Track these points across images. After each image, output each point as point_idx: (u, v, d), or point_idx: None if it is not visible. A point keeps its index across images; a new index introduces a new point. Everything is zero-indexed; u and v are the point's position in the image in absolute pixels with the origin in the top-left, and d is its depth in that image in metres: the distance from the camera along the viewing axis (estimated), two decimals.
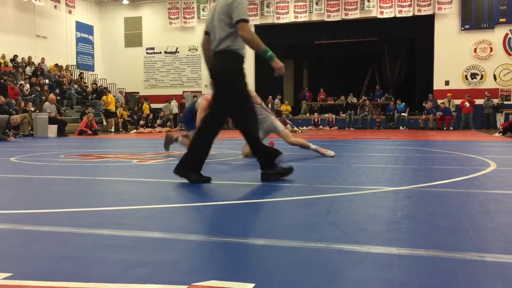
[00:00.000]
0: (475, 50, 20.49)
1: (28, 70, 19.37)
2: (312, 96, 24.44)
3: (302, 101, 23.95)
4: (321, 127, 20.85)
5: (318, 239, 2.11)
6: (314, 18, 22.08)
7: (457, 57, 20.38)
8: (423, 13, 20.71)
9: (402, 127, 20.26)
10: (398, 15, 20.91)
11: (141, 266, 1.76)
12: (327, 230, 2.30)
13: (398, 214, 2.66)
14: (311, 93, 24.65)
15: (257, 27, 23.01)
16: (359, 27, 21.76)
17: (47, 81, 19.15)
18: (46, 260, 1.84)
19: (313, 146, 6.50)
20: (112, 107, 19.64)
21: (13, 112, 14.23)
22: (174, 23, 23.84)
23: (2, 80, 16.40)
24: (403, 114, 20.66)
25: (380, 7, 21.12)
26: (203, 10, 23.43)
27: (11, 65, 18.80)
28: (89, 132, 15.94)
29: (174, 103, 22.65)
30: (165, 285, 1.56)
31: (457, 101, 20.02)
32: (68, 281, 1.58)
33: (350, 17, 21.44)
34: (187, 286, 1.54)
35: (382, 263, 1.79)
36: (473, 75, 20.68)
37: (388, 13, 21.04)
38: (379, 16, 21.15)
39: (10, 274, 1.65)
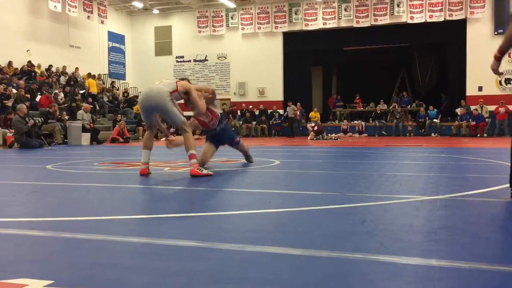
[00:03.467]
0: (509, 55, 19.93)
1: (62, 80, 19.86)
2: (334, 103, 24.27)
3: (334, 108, 23.78)
4: (350, 134, 20.66)
5: (354, 249, 2.08)
6: (343, 24, 21.96)
7: (491, 62, 19.84)
8: (454, 17, 20.34)
9: (434, 134, 19.88)
10: (428, 20, 20.59)
11: (178, 275, 1.77)
12: (363, 240, 2.26)
13: (435, 224, 2.60)
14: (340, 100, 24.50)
15: (285, 34, 23.06)
16: (389, 33, 21.53)
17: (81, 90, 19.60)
18: (85, 267, 1.87)
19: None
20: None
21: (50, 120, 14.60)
22: (203, 32, 24.09)
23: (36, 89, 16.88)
24: (435, 120, 20.28)
25: (410, 12, 20.85)
26: (232, 18, 23.62)
27: (46, 74, 19.31)
28: (121, 140, 16.22)
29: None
30: None
31: (491, 107, 19.53)
32: None
33: (379, 22, 21.24)
34: None
35: (422, 275, 1.76)
36: (508, 81, 20.15)
37: (418, 18, 20.75)
38: (409, 21, 20.87)
39: (52, 281, 1.68)
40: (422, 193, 3.75)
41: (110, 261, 1.94)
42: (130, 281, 1.69)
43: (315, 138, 17.05)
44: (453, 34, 20.81)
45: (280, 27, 22.85)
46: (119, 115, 18.47)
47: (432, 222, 2.66)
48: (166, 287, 1.62)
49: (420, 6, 20.70)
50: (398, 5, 21.03)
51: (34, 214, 3.06)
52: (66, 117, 15.75)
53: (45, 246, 2.22)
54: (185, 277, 1.75)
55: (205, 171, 4.94)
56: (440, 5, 20.40)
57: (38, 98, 16.71)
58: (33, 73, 18.70)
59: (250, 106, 22.69)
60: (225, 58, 24.13)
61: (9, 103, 15.07)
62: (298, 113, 21.82)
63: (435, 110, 20.61)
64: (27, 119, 12.54)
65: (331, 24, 22.01)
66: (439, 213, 2.94)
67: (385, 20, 21.17)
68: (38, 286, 1.64)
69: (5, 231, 2.48)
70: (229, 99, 23.92)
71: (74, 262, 1.94)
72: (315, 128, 17.38)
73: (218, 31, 23.91)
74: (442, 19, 20.43)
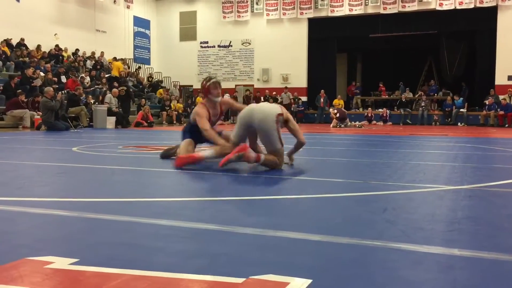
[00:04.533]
0: None
1: (89, 64, 20.13)
2: (361, 90, 24.03)
3: (354, 96, 23.58)
4: (374, 122, 20.44)
5: (375, 237, 2.07)
6: (370, 10, 21.61)
7: None
8: (485, 5, 19.80)
9: (461, 124, 19.52)
10: (458, 7, 20.10)
11: (199, 257, 1.80)
12: (384, 228, 2.26)
13: (458, 214, 2.57)
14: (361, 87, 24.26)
15: (310, 20, 22.82)
16: (417, 20, 21.09)
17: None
18: (109, 247, 1.92)
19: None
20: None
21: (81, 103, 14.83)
22: (228, 17, 24.03)
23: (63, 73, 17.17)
24: (461, 110, 19.90)
25: None
26: (257, 3, 23.47)
27: (73, 58, 19.60)
28: (145, 124, 16.40)
29: (226, 97, 22.88)
30: (224, 276, 1.58)
31: None
32: (131, 268, 1.63)
33: (407, 9, 20.83)
34: (245, 278, 1.56)
35: (443, 264, 1.74)
36: None
37: (447, 5, 20.27)
38: (438, 8, 20.41)
39: (77, 259, 1.73)
40: (446, 183, 3.70)
41: (134, 242, 1.98)
42: (153, 262, 1.72)
43: (338, 125, 16.91)
44: (483, 21, 20.27)
45: (306, 13, 22.61)
46: (143, 100, 18.65)
47: (456, 212, 2.63)
48: (188, 269, 1.64)
49: None
50: None
51: (60, 194, 3.13)
52: (92, 101, 15.99)
53: (70, 226, 2.28)
54: (207, 259, 1.77)
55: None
56: None
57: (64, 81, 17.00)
58: (60, 57, 19.00)
59: (274, 93, 22.62)
60: (249, 44, 24.04)
61: (38, 82, 15.36)
62: (322, 100, 21.68)
63: (461, 99, 20.20)
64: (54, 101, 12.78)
65: (358, 11, 21.68)
66: (463, 203, 2.90)
67: (413, 7, 20.75)
68: (64, 264, 1.69)
69: (32, 210, 2.55)
70: (252, 85, 23.88)
71: (98, 241, 1.99)
72: (337, 114, 17.21)
73: (242, 16, 23.81)
74: (472, 6, 19.91)
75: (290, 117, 4.78)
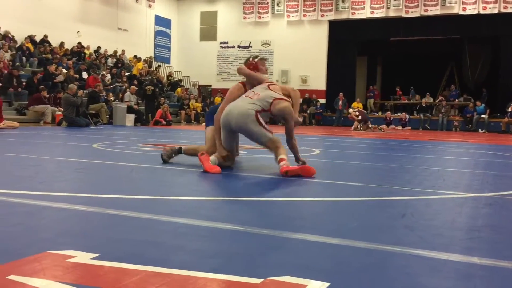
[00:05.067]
0: None
1: (110, 61, 20.36)
2: (379, 94, 23.86)
3: (368, 99, 23.44)
4: (393, 126, 20.27)
5: (394, 242, 2.06)
6: (391, 14, 21.44)
7: None
8: (509, 10, 19.48)
9: (481, 130, 19.23)
10: (482, 12, 19.82)
11: (217, 256, 1.81)
12: (402, 233, 2.24)
13: (478, 222, 2.54)
14: (379, 91, 24.07)
15: (331, 22, 22.74)
16: (439, 24, 20.85)
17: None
18: (129, 243, 1.94)
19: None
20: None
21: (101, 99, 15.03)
22: (249, 18, 24.08)
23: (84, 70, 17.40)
24: (483, 116, 19.60)
25: (463, 3, 20.12)
26: (278, 5, 23.47)
27: (95, 55, 19.85)
28: (164, 122, 16.53)
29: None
30: (241, 276, 1.59)
31: None
32: (150, 265, 1.66)
33: (429, 13, 20.61)
34: (262, 279, 1.57)
35: (463, 272, 1.73)
36: None
37: (471, 10, 20.00)
38: (461, 12, 20.15)
39: (98, 254, 1.75)
40: (466, 190, 3.66)
41: (153, 239, 2.01)
42: (172, 260, 1.74)
43: (359, 128, 16.77)
44: (507, 26, 19.94)
45: (326, 15, 22.54)
46: (163, 98, 18.81)
47: (476, 219, 2.60)
48: (205, 268, 1.66)
49: None
50: None
51: (80, 190, 3.18)
52: (112, 98, 16.18)
53: (91, 221, 2.31)
54: (224, 259, 1.78)
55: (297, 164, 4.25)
56: None
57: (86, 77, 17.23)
58: (82, 54, 19.26)
59: None
60: (269, 45, 24.05)
61: (61, 78, 15.59)
62: (340, 103, 21.58)
63: (483, 105, 19.91)
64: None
65: (379, 14, 21.53)
66: (483, 211, 2.86)
67: (435, 11, 20.53)
68: (85, 258, 1.72)
69: (54, 205, 2.60)
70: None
71: (118, 238, 2.02)
72: (359, 117, 17.07)
73: (263, 17, 23.84)
74: (496, 11, 19.62)
75: (288, 112, 4.32)
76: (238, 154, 4.96)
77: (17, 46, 16.67)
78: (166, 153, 4.78)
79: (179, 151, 4.75)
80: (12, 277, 1.51)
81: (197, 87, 23.88)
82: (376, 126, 17.54)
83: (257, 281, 1.55)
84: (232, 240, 2.04)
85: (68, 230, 2.15)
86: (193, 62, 25.14)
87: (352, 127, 17.17)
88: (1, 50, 15.45)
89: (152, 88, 17.31)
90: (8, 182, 3.39)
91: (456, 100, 21.84)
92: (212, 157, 4.24)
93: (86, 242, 1.95)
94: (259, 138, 4.20)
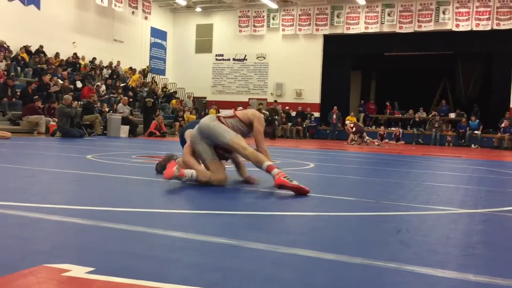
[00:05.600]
0: None
1: (105, 72, 20.38)
2: (376, 108, 24.02)
3: (359, 113, 23.59)
4: (386, 140, 20.37)
5: (389, 258, 2.07)
6: (385, 29, 21.67)
7: None
8: (502, 27, 19.75)
9: (474, 146, 19.37)
10: (475, 28, 20.08)
11: (214, 271, 1.81)
12: (398, 249, 2.25)
13: (473, 238, 2.55)
14: (376, 105, 24.22)
15: (325, 37, 22.92)
16: (432, 40, 21.10)
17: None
18: (124, 257, 1.93)
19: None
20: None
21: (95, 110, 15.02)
22: (244, 31, 24.23)
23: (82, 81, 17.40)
24: (475, 131, 19.76)
25: (456, 20, 20.38)
26: (273, 19, 23.66)
27: (90, 66, 19.87)
28: (158, 134, 16.51)
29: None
30: None
31: None
32: (146, 279, 1.65)
33: (423, 29, 20.85)
34: None
35: None
36: None
37: (464, 26, 20.26)
38: (455, 29, 20.41)
39: (93, 268, 1.75)
40: (460, 206, 3.68)
41: (149, 253, 2.00)
42: (167, 274, 1.74)
43: (355, 140, 16.81)
44: (499, 43, 20.21)
45: (321, 30, 22.74)
46: (158, 110, 18.81)
47: (470, 236, 2.62)
48: (202, 283, 1.66)
49: (467, 14, 20.21)
50: (443, 12, 20.60)
51: (75, 202, 3.17)
52: (106, 109, 16.17)
53: (87, 234, 2.30)
54: (220, 274, 1.78)
55: (295, 183, 3.81)
56: (487, 13, 19.86)
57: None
58: (77, 65, 19.27)
59: (287, 108, 22.67)
60: (264, 58, 24.20)
61: (56, 88, 15.58)
62: (334, 116, 21.67)
63: (477, 121, 20.08)
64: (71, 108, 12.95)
65: (373, 29, 21.75)
66: (477, 227, 2.88)
67: (429, 27, 20.77)
68: (81, 272, 1.71)
69: (48, 217, 2.59)
70: (266, 99, 23.97)
71: (114, 251, 2.01)
72: (353, 128, 17.13)
73: (258, 31, 24.01)
74: (489, 28, 19.88)
75: (257, 126, 4.27)
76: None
77: (12, 56, 16.66)
78: (160, 164, 4.74)
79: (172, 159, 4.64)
80: None
81: (192, 99, 23.92)
82: (372, 139, 17.59)
83: None
84: (228, 255, 2.04)
85: (63, 243, 2.14)
86: (188, 74, 25.22)
87: (348, 140, 17.24)
88: None
89: (152, 100, 17.45)
90: (2, 193, 3.37)
91: (450, 115, 22.00)
92: (187, 171, 4.04)
93: (82, 255, 1.94)
94: (220, 137, 4.08)
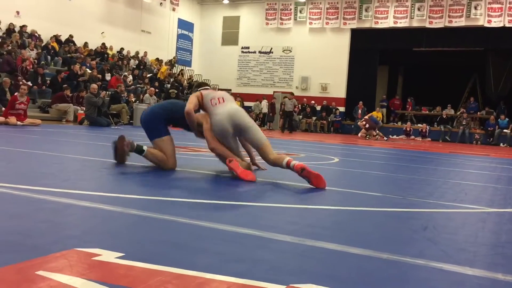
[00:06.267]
0: None
1: (132, 63, 20.61)
2: (401, 104, 23.70)
3: (381, 108, 23.26)
4: (413, 137, 20.09)
5: (416, 255, 2.05)
6: (415, 24, 21.31)
7: None
8: None
9: (503, 144, 18.95)
10: (507, 24, 19.57)
11: (240, 261, 1.82)
12: (425, 246, 2.23)
13: (502, 237, 2.51)
14: (401, 101, 23.89)
15: (353, 31, 22.68)
16: (463, 36, 20.67)
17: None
18: (153, 244, 1.97)
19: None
20: None
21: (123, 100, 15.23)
22: (271, 24, 24.16)
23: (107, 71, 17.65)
24: (505, 130, 19.32)
25: (488, 15, 19.90)
26: (300, 12, 23.51)
27: (118, 56, 20.12)
28: None
29: (264, 103, 23.02)
30: (264, 282, 1.60)
31: None
32: (174, 266, 1.68)
33: (454, 24, 20.43)
34: (285, 286, 1.58)
35: None
36: None
37: (496, 22, 19.77)
38: (486, 25, 19.94)
39: (123, 254, 1.78)
40: (489, 205, 3.61)
41: (176, 241, 2.03)
42: (196, 263, 1.76)
43: (366, 137, 16.83)
44: None
45: (349, 24, 22.51)
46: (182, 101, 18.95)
47: (499, 235, 2.57)
48: (229, 272, 1.67)
49: (499, 10, 19.71)
50: (475, 8, 20.14)
51: (104, 189, 3.23)
52: (133, 99, 16.36)
53: (115, 220, 2.35)
54: (247, 264, 1.79)
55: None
56: None
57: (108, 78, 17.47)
58: (105, 55, 19.53)
59: (312, 102, 22.55)
60: (290, 51, 24.09)
61: (85, 78, 15.85)
62: (359, 111, 21.49)
63: (506, 119, 19.63)
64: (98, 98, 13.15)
65: (402, 23, 21.41)
66: (506, 226, 2.83)
67: (460, 22, 20.34)
68: (111, 257, 1.75)
69: (78, 203, 2.64)
70: (291, 92, 23.87)
71: (142, 238, 2.05)
72: (367, 125, 17.09)
73: (285, 24, 23.90)
74: None
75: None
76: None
77: (42, 45, 16.99)
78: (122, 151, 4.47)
79: (139, 151, 4.41)
80: (41, 273, 1.55)
81: (217, 90, 23.97)
82: (381, 135, 17.49)
83: (280, 287, 1.56)
84: (255, 246, 2.05)
85: (93, 229, 2.18)
86: (214, 66, 25.31)
87: (359, 134, 17.24)
88: (27, 48, 15.76)
89: (176, 91, 17.58)
90: (34, 179, 3.45)
91: (478, 113, 21.56)
92: (243, 163, 4.27)
93: (111, 241, 1.98)
94: (257, 140, 4.22)
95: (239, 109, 4.41)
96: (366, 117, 17.79)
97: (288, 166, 3.97)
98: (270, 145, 4.25)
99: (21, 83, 12.39)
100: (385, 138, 17.28)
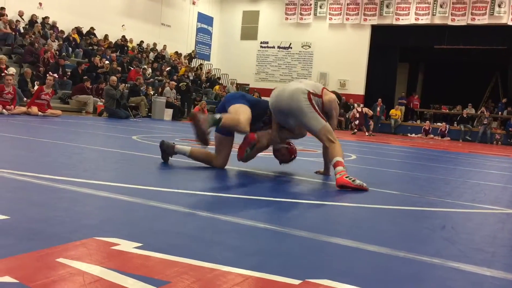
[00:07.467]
0: None
1: (151, 56, 20.73)
2: (420, 102, 23.44)
3: (400, 106, 23.01)
4: (432, 136, 19.86)
5: (433, 254, 2.04)
6: (437, 21, 21.01)
7: None
8: None
9: None
10: None
11: (256, 254, 1.83)
12: (442, 246, 2.21)
13: None
14: (420, 99, 23.63)
15: (374, 27, 22.46)
16: (486, 34, 20.30)
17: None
18: (171, 235, 1.99)
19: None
20: None
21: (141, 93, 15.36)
22: (290, 19, 24.06)
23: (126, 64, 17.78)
24: None
25: None
26: (320, 7, 23.36)
27: (137, 49, 20.26)
28: None
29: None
30: (280, 276, 1.61)
31: None
32: (192, 258, 1.69)
33: (476, 22, 20.09)
34: (301, 281, 1.58)
35: None
36: None
37: None
38: (510, 23, 19.56)
39: (141, 244, 1.81)
40: (509, 206, 3.56)
41: (194, 233, 2.04)
42: (212, 255, 1.77)
43: (353, 132, 16.80)
44: None
45: (369, 20, 22.30)
46: (200, 95, 19.02)
47: None
48: (245, 265, 1.68)
49: None
50: (499, 5, 19.77)
51: (123, 180, 3.26)
52: (152, 92, 16.48)
53: (133, 211, 2.37)
54: (263, 257, 1.80)
55: (358, 182, 3.60)
56: None
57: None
58: (125, 48, 19.69)
59: None
60: (309, 47, 23.97)
61: (104, 70, 16.01)
62: (378, 109, 21.30)
63: None
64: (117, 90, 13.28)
65: (424, 20, 21.14)
66: None
67: (483, 20, 19.99)
68: (129, 247, 1.78)
69: (97, 193, 2.68)
70: None
71: (160, 229, 2.07)
72: (357, 121, 17.07)
73: (305, 19, 23.78)
74: None
75: (335, 107, 4.03)
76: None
77: (64, 36, 17.19)
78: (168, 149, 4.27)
79: (173, 150, 4.21)
80: (61, 260, 1.58)
81: (235, 85, 24.03)
82: (368, 131, 17.47)
83: (296, 282, 1.57)
84: (272, 240, 2.06)
85: (111, 219, 2.21)
86: (233, 60, 25.32)
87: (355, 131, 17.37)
88: (49, 39, 15.97)
89: (185, 83, 17.64)
90: (55, 168, 3.51)
91: (500, 113, 21.22)
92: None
93: (129, 231, 2.00)
94: (312, 123, 3.79)
95: (290, 89, 3.96)
96: (360, 110, 17.63)
97: (333, 166, 3.75)
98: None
99: (48, 74, 12.58)
100: (366, 133, 17.29)
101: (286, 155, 4.44)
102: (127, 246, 1.78)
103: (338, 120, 21.23)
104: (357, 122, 16.99)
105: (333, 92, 4.17)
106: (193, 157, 4.24)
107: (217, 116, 3.76)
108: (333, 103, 3.99)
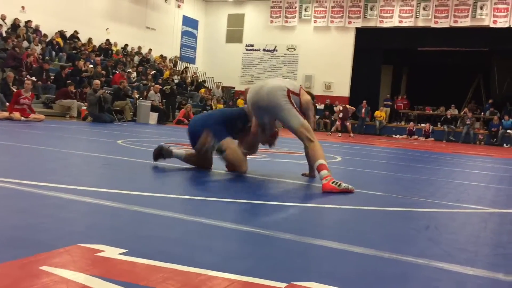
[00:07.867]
0: None
1: (136, 59, 20.62)
2: (409, 104, 23.63)
3: (385, 107, 23.16)
4: (416, 137, 20.05)
5: (417, 254, 2.06)
6: (420, 23, 21.25)
7: None
8: None
9: (507, 145, 18.90)
10: None
11: (242, 258, 1.83)
12: (426, 246, 2.23)
13: (504, 238, 2.51)
14: (408, 101, 23.83)
15: (358, 30, 22.63)
16: (468, 36, 20.57)
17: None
18: (156, 241, 1.98)
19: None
20: None
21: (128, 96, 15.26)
22: (275, 22, 24.13)
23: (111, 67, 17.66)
24: (508, 131, 19.26)
25: (494, 16, 19.82)
26: (305, 10, 23.48)
27: (122, 53, 20.13)
28: (186, 122, 16.65)
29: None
30: (266, 280, 1.61)
31: None
32: (177, 263, 1.69)
33: (459, 24, 20.35)
34: (287, 284, 1.59)
35: None
36: None
37: (502, 23, 19.69)
38: (492, 25, 19.85)
39: (126, 250, 1.79)
40: (491, 205, 3.61)
41: (179, 238, 2.04)
42: (198, 260, 1.77)
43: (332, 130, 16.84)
44: None
45: (354, 22, 22.46)
46: (186, 98, 18.96)
47: (501, 235, 2.57)
48: (231, 269, 1.68)
49: (505, 10, 19.64)
50: (481, 8, 20.06)
51: (107, 185, 3.24)
52: (136, 96, 16.39)
53: (117, 217, 2.36)
54: (249, 261, 1.81)
55: (344, 185, 3.59)
56: None
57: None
58: (110, 51, 19.55)
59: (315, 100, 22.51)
60: (294, 50, 24.06)
61: (88, 74, 15.88)
62: (363, 110, 21.45)
63: (510, 120, 19.57)
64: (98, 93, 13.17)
65: (408, 23, 21.36)
66: (508, 227, 2.83)
67: (465, 22, 20.26)
68: (114, 253, 1.76)
69: (81, 199, 2.66)
70: None
71: (145, 235, 2.06)
72: (341, 114, 17.25)
73: (290, 22, 23.87)
74: None
75: (311, 108, 4.09)
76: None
77: (47, 40, 17.01)
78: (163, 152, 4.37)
79: (171, 155, 4.31)
80: (45, 268, 1.56)
81: (220, 88, 24.02)
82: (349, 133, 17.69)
83: (282, 285, 1.57)
84: (258, 244, 2.06)
85: (96, 225, 2.20)
86: (218, 64, 25.30)
87: (332, 129, 17.42)
88: (32, 43, 15.79)
89: (169, 87, 17.61)
90: (38, 174, 3.47)
91: (482, 113, 21.50)
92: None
93: (114, 237, 1.99)
94: (291, 119, 3.81)
95: (270, 85, 4.03)
96: (341, 108, 17.76)
97: (317, 170, 3.76)
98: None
99: (25, 78, 12.42)
100: (351, 135, 17.47)
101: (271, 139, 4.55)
102: (112, 252, 1.77)
103: (318, 122, 21.46)
104: (341, 115, 17.14)
105: (308, 92, 4.23)
106: (187, 160, 4.40)
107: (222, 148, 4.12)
108: (309, 104, 4.06)
